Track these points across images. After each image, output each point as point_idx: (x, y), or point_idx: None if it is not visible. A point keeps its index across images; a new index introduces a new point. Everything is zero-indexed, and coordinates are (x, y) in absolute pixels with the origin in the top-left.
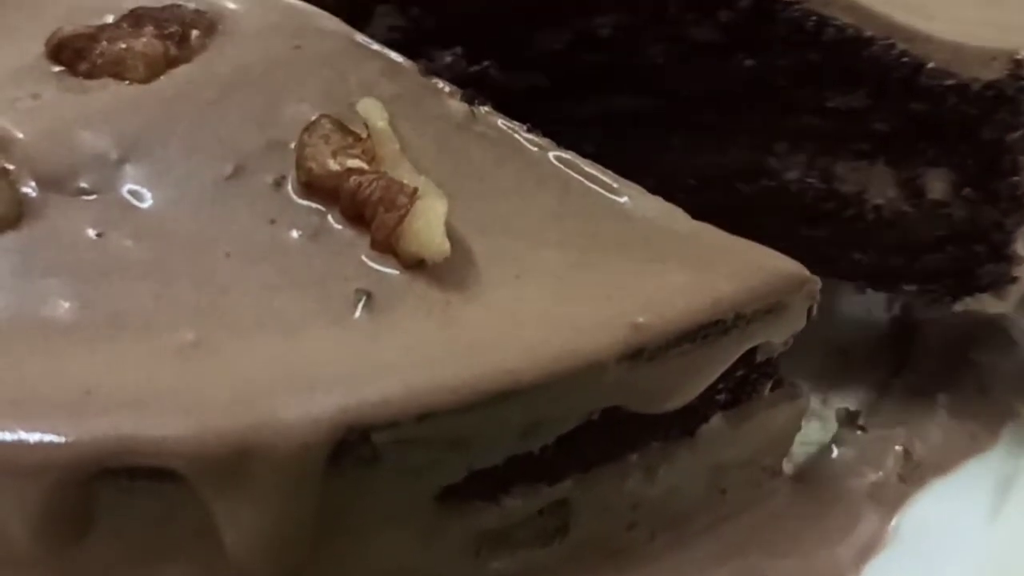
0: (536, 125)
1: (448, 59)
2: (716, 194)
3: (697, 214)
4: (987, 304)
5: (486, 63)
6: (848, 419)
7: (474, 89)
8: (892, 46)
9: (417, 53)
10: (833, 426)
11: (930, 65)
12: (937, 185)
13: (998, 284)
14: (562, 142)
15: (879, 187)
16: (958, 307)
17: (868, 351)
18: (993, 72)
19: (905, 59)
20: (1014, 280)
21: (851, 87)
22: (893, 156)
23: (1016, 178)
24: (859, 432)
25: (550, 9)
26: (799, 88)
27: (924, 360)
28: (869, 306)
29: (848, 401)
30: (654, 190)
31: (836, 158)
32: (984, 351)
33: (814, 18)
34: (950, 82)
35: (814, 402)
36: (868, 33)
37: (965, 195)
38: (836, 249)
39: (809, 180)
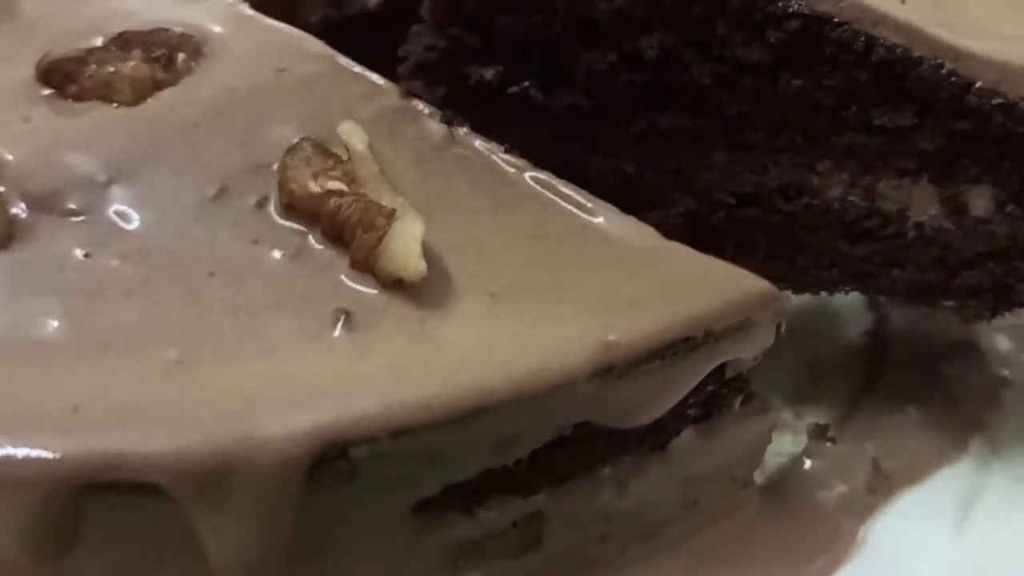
0: (576, 144)
1: (489, 75)
2: (756, 212)
3: (735, 233)
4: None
5: (526, 83)
6: (818, 432)
7: (514, 107)
8: (940, 66)
9: (455, 72)
10: (804, 439)
11: (978, 84)
12: (980, 202)
13: None
14: (599, 162)
15: (921, 204)
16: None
17: (840, 365)
18: None
19: (953, 78)
20: None
21: (898, 106)
22: (937, 174)
23: None
24: (829, 444)
25: (596, 30)
26: (845, 107)
27: (895, 374)
28: (842, 320)
29: (820, 414)
30: (693, 209)
31: (879, 176)
32: (953, 364)
33: (863, 38)
34: (997, 101)
35: (787, 415)
36: (917, 53)
37: (1009, 212)
38: (875, 266)
39: (851, 198)
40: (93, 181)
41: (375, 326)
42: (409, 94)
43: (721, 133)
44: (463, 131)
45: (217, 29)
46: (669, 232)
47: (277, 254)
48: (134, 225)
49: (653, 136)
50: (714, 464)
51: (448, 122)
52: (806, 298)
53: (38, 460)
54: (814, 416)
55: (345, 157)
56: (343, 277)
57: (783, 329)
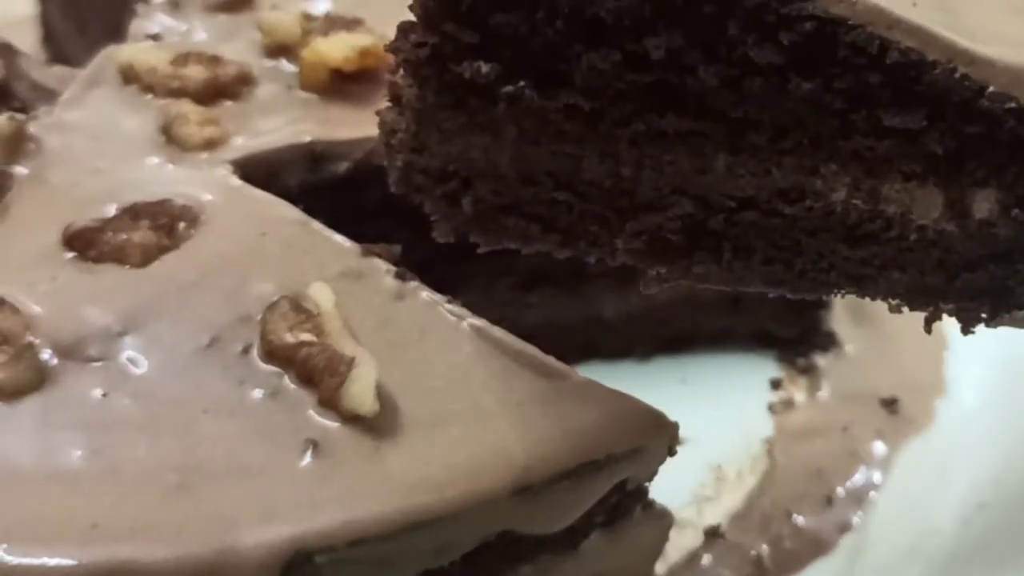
0: (570, 146)
1: (483, 73)
2: (755, 216)
3: (733, 236)
4: (1019, 321)
5: (522, 83)
6: (712, 531)
7: (507, 108)
8: (954, 69)
9: (445, 69)
10: (702, 536)
11: (991, 89)
12: (984, 205)
13: None
14: (595, 165)
15: (925, 207)
16: (992, 325)
17: (740, 470)
18: None
19: (967, 82)
20: None
21: (909, 109)
22: (943, 177)
23: None
24: (721, 540)
25: (600, 29)
26: (855, 110)
27: (784, 478)
28: (745, 428)
29: (720, 511)
30: (691, 213)
31: (884, 179)
32: (833, 475)
33: (877, 41)
34: (1010, 105)
35: (690, 512)
36: (931, 57)
37: (1014, 216)
38: (875, 269)
39: (854, 201)
40: (109, 332)
41: (337, 454)
42: (368, 253)
43: (724, 136)
44: (413, 285)
45: (211, 198)
46: (664, 239)
47: (258, 393)
48: (142, 369)
49: (653, 139)
50: (619, 561)
51: (401, 278)
52: (711, 409)
53: (62, 567)
54: (714, 513)
55: (316, 312)
56: (312, 412)
57: (674, 451)
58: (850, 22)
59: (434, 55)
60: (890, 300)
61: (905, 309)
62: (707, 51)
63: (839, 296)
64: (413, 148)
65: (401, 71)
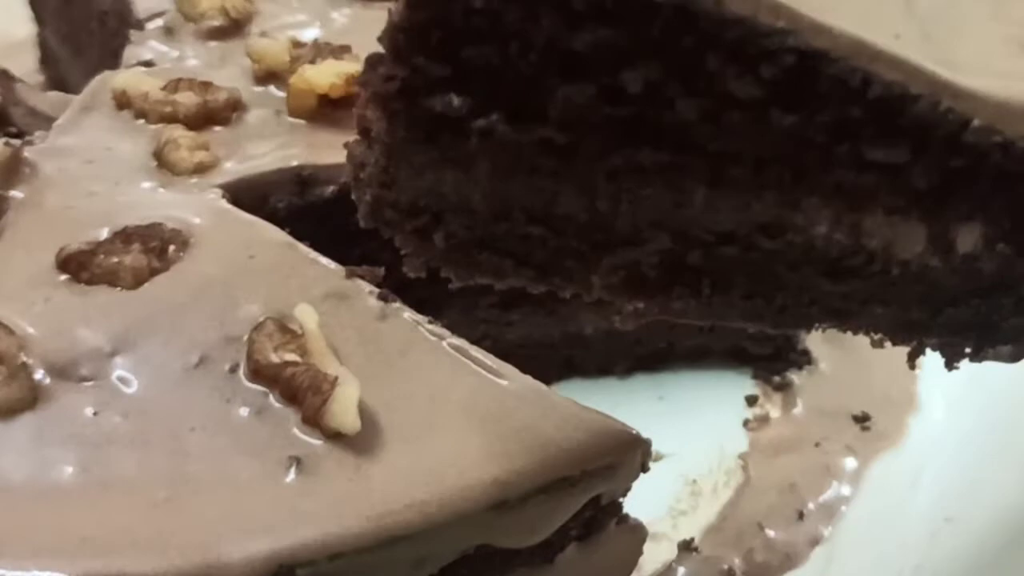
0: (544, 181)
1: (453, 107)
2: (735, 250)
3: (712, 271)
4: (1003, 356)
5: (494, 116)
6: (685, 545)
7: (478, 142)
8: (938, 103)
9: (415, 103)
10: (676, 549)
11: (975, 122)
12: (969, 239)
13: (1020, 336)
14: (571, 200)
15: (907, 242)
16: (976, 359)
17: (715, 484)
18: None
19: (951, 116)
20: None
21: (892, 143)
22: (926, 211)
23: None
24: (695, 554)
25: (576, 62)
26: (837, 144)
27: (758, 493)
28: (720, 444)
29: (694, 525)
30: (669, 247)
31: (866, 213)
32: (806, 490)
33: (860, 74)
34: (996, 139)
35: (665, 526)
36: (914, 90)
37: (999, 250)
38: (858, 304)
39: (836, 236)
40: (100, 352)
41: (320, 470)
42: (352, 275)
43: (703, 170)
44: (395, 306)
45: (200, 221)
46: (641, 274)
47: (244, 411)
48: (133, 388)
49: (630, 173)
50: (594, 574)
51: (383, 299)
52: (688, 425)
53: None
54: (689, 527)
55: (300, 333)
56: (296, 430)
57: (648, 466)
58: (832, 55)
59: (404, 89)
60: (872, 335)
61: (888, 343)
62: (686, 84)
63: (820, 330)
64: (382, 183)
65: (370, 104)
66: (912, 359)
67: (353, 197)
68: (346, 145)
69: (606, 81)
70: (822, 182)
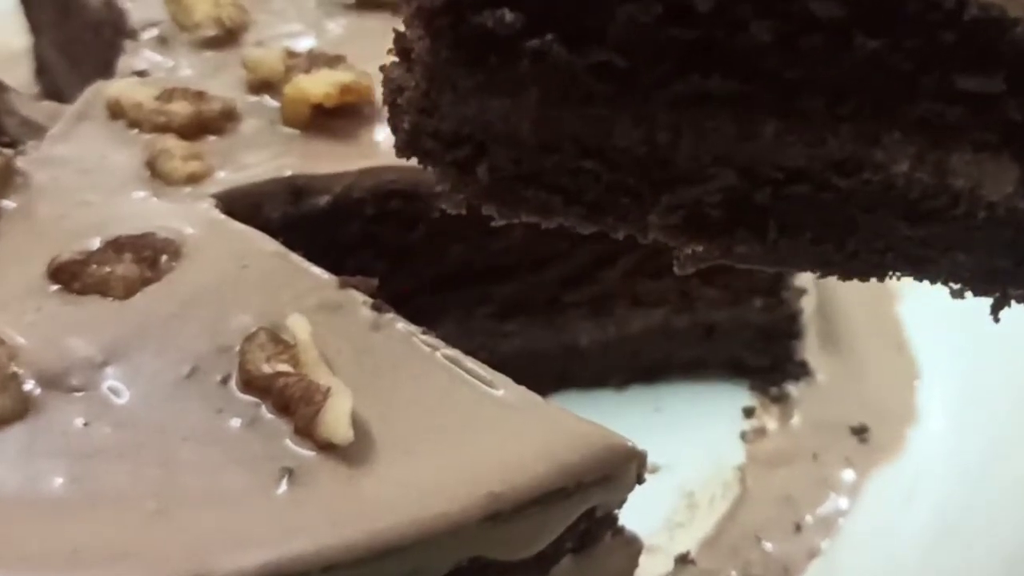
0: (599, 110)
1: (506, 24)
2: (805, 189)
3: (780, 212)
4: None
5: (548, 36)
6: (682, 558)
7: (530, 65)
8: None
9: (462, 19)
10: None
11: None
12: None
13: None
14: (628, 131)
15: (996, 182)
16: None
17: (711, 497)
18: None
19: None
20: None
21: (986, 71)
22: (1019, 148)
23: None
24: (691, 566)
25: None
26: (925, 72)
27: (755, 505)
28: (717, 456)
29: (690, 537)
30: (733, 185)
31: (953, 150)
32: (803, 502)
33: None
34: None
35: (662, 539)
36: (1013, 14)
37: None
38: (938, 250)
39: (918, 174)
40: (91, 362)
41: (312, 482)
42: (345, 285)
43: (775, 99)
44: (388, 316)
45: (193, 231)
46: (703, 214)
47: (236, 422)
48: (124, 399)
49: (694, 102)
50: None
51: (377, 309)
52: (685, 437)
53: None
54: (685, 540)
55: (293, 343)
56: (288, 441)
57: (643, 478)
58: None
59: (450, 3)
60: (951, 284)
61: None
62: (760, 3)
63: (896, 278)
64: (422, 109)
65: (412, 22)
66: (995, 311)
67: (388, 125)
68: (382, 68)
69: None
70: (906, 115)
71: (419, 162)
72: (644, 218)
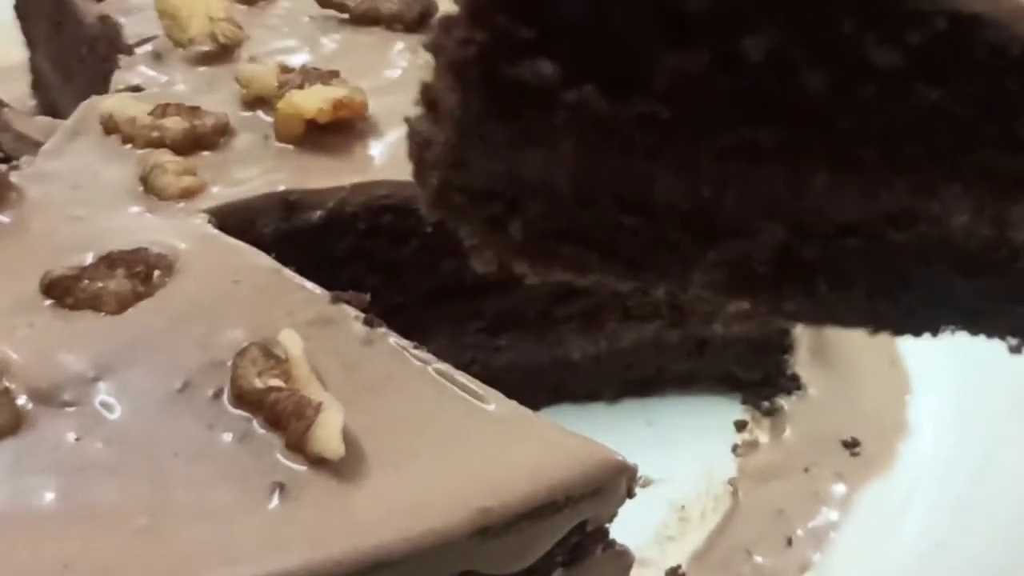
0: (641, 164)
1: (542, 76)
2: (858, 243)
3: (831, 267)
4: None
5: (588, 87)
6: (673, 571)
7: (567, 118)
8: None
9: (495, 71)
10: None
11: None
12: None
13: None
14: (671, 184)
15: None
16: None
17: (703, 510)
18: None
19: None
20: None
21: None
22: None
23: None
24: None
25: (688, 25)
26: (986, 121)
27: (746, 518)
28: (710, 469)
29: (682, 551)
30: (783, 240)
31: (1013, 201)
32: (794, 516)
33: (1021, 43)
34: None
35: (653, 552)
36: None
37: None
38: (996, 303)
39: (977, 226)
40: (83, 377)
41: (303, 496)
42: (337, 300)
43: (827, 150)
44: (381, 331)
45: (186, 246)
46: (750, 270)
47: (228, 437)
48: (115, 414)
49: (742, 153)
50: None
51: (369, 324)
52: (677, 451)
53: None
54: (676, 553)
55: (284, 358)
56: (279, 456)
57: (634, 492)
58: (989, 19)
59: (483, 54)
60: (1009, 339)
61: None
62: (815, 52)
63: (950, 333)
64: (452, 164)
65: (441, 74)
66: None
67: (414, 180)
68: (407, 120)
69: (722, 47)
70: (965, 165)
71: (448, 220)
72: (688, 274)
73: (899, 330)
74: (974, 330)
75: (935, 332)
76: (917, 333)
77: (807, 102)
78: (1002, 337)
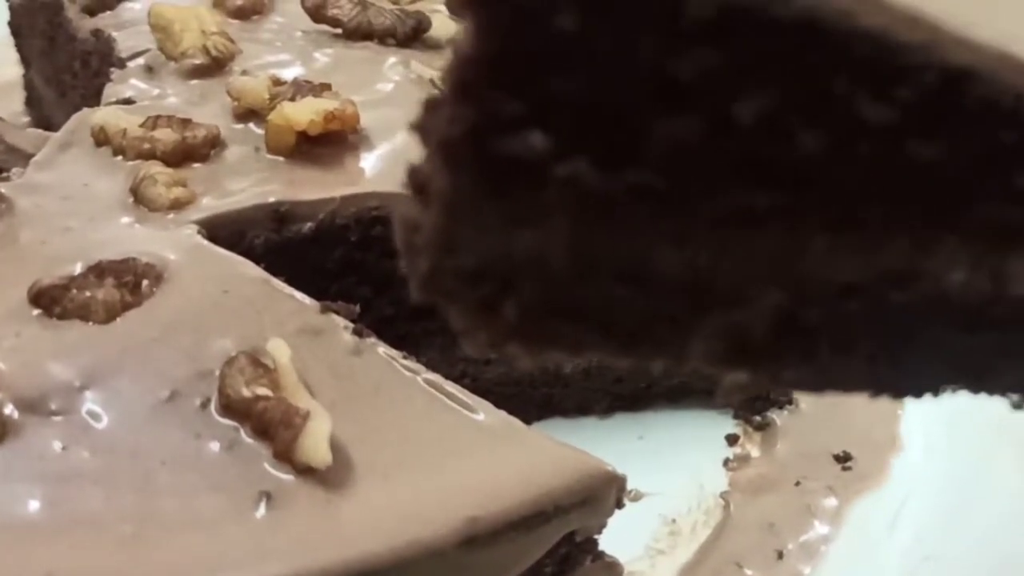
0: (635, 234)
1: (535, 145)
2: (857, 305)
3: (830, 331)
4: None
5: (579, 160)
6: None
7: (558, 192)
8: None
9: (485, 148)
10: None
11: None
12: None
13: None
14: (666, 254)
15: None
16: None
17: (694, 524)
18: None
19: None
20: None
21: None
22: None
23: None
24: None
25: (677, 92)
26: (982, 175)
27: (737, 532)
28: (700, 480)
29: (672, 564)
30: (780, 305)
31: (1010, 254)
32: (786, 529)
33: (1013, 94)
34: None
35: (643, 565)
36: None
37: None
38: (999, 359)
39: (975, 282)
40: (70, 387)
41: (290, 505)
42: (327, 310)
43: (824, 212)
44: (370, 341)
45: (175, 257)
46: (748, 338)
47: (215, 446)
48: (102, 423)
49: (738, 220)
50: None
51: (358, 334)
52: (668, 464)
53: None
54: (666, 567)
55: (272, 367)
56: (267, 465)
57: (623, 502)
58: (979, 73)
59: (472, 131)
60: (1011, 395)
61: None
62: (807, 113)
63: (952, 392)
64: (442, 247)
65: (429, 157)
66: None
67: (402, 267)
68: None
69: (713, 113)
70: (961, 220)
71: (439, 304)
72: (685, 346)
73: (900, 392)
74: (976, 388)
75: (936, 393)
76: (918, 395)
77: (802, 164)
78: (1004, 394)
